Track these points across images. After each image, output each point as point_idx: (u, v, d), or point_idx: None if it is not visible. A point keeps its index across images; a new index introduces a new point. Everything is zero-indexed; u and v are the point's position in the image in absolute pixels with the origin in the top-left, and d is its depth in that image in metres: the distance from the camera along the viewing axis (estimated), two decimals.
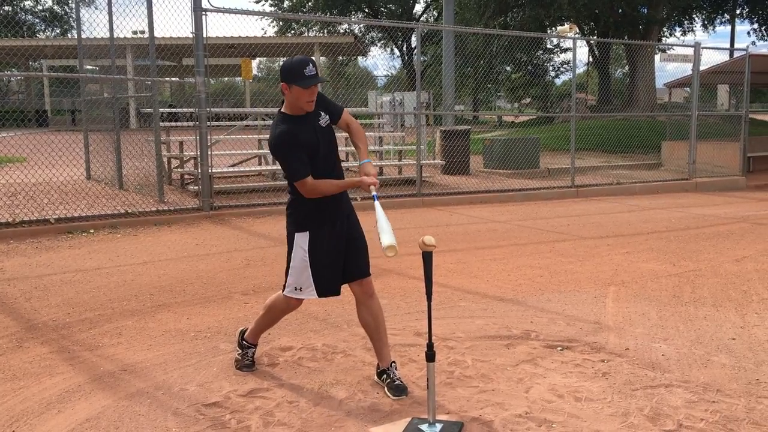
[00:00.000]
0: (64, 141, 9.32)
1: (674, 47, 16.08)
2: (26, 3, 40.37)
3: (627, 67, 30.59)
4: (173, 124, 11.73)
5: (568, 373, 3.68)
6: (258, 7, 35.31)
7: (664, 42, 27.82)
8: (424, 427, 3.02)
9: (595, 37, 27.18)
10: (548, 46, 34.51)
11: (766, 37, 32.27)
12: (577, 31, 21.14)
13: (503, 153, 13.73)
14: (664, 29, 29.67)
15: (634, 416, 3.16)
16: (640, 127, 18.73)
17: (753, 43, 32.67)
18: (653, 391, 3.44)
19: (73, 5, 20.70)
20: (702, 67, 14.08)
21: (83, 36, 11.16)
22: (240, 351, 3.78)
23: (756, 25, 31.95)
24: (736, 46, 29.02)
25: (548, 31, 25.53)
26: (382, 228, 3.09)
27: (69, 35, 36.02)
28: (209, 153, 9.01)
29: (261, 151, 11.98)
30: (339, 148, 3.65)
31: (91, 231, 7.73)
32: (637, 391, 3.45)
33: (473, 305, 5.05)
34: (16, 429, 3.07)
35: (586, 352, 4.02)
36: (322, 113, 3.42)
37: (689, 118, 13.99)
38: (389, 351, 3.57)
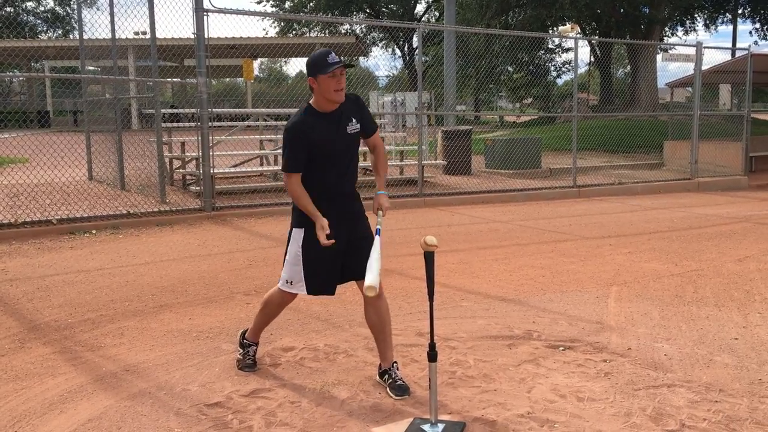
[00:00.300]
0: (66, 142, 9.33)
1: (676, 47, 16.06)
2: (28, 4, 40.44)
3: (629, 67, 30.60)
4: (175, 124, 11.75)
5: (571, 373, 3.68)
6: (259, 8, 35.39)
7: (665, 42, 27.82)
8: (426, 427, 3.01)
9: (596, 37, 27.16)
10: (550, 46, 34.48)
11: (767, 37, 32.25)
12: (579, 30, 21.16)
13: (505, 153, 13.72)
14: (666, 29, 29.67)
15: (636, 416, 3.15)
16: (642, 126, 18.73)
17: (756, 42, 32.73)
18: (656, 391, 3.44)
19: (75, 6, 20.73)
20: (704, 67, 14.06)
21: (85, 37, 11.18)
22: (241, 351, 3.79)
23: (758, 25, 31.95)
24: (738, 45, 29.01)
25: (550, 31, 25.52)
26: (370, 266, 3.11)
27: (71, 36, 36.13)
28: (211, 153, 9.01)
29: (262, 151, 11.99)
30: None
31: (93, 232, 7.74)
32: (639, 391, 3.44)
33: (475, 305, 5.05)
34: (18, 429, 3.07)
35: (589, 352, 4.02)
36: (354, 120, 3.41)
37: (691, 118, 13.97)
38: (393, 352, 3.57)
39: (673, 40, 31.66)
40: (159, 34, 9.03)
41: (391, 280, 5.69)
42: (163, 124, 10.06)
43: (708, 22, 32.93)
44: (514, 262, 6.53)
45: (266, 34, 36.37)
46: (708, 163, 13.99)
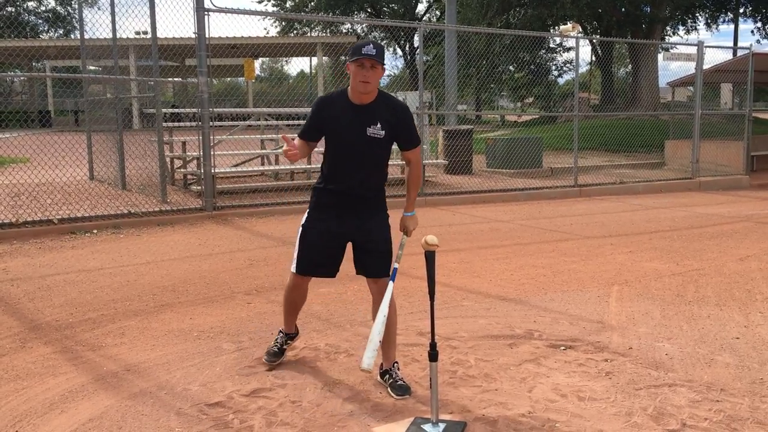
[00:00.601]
0: (67, 141, 9.33)
1: (677, 46, 16.07)
2: (29, 4, 40.47)
3: (630, 66, 30.57)
4: (176, 124, 11.75)
5: (572, 373, 3.67)
6: (260, 7, 35.34)
7: (667, 41, 27.81)
8: (427, 426, 3.01)
9: (598, 36, 27.15)
10: (551, 45, 34.43)
11: None
12: (580, 30, 21.13)
13: (506, 152, 13.72)
14: (667, 28, 29.65)
15: (637, 416, 3.15)
16: (643, 126, 18.72)
17: (757, 41, 32.68)
18: (657, 391, 3.43)
19: (76, 6, 20.74)
20: (705, 66, 14.05)
21: (86, 36, 11.18)
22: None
23: (759, 24, 31.92)
24: (740, 44, 28.96)
25: (551, 31, 25.50)
26: (371, 340, 3.14)
27: (72, 36, 36.15)
28: (212, 153, 9.02)
29: (264, 151, 11.99)
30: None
31: (94, 231, 7.74)
32: (640, 390, 3.44)
33: (476, 305, 5.04)
34: (19, 429, 3.07)
35: (590, 351, 4.01)
36: (380, 125, 3.39)
37: (692, 117, 13.97)
38: (395, 352, 3.58)
39: (674, 39, 31.65)
40: (160, 34, 9.04)
41: None
42: (164, 124, 10.07)
43: (709, 21, 32.91)
44: (515, 262, 6.53)
45: (267, 33, 36.38)
46: (709, 163, 13.98)
